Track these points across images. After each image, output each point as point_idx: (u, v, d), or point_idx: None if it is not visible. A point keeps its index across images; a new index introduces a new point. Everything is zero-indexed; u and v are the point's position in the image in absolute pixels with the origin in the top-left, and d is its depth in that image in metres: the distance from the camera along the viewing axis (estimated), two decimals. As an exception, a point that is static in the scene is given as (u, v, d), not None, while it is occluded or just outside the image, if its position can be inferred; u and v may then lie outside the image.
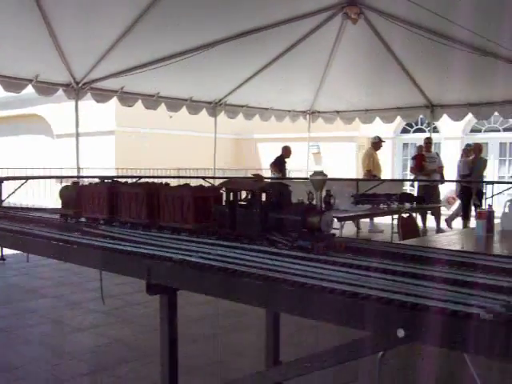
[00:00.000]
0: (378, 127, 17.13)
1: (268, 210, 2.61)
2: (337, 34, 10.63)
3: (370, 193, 10.50)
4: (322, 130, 17.16)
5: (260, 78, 11.93)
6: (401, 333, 1.55)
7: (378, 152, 14.00)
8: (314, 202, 2.51)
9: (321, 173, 2.58)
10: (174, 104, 12.60)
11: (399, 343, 1.62)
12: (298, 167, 16.22)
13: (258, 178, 3.09)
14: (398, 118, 14.54)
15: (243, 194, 2.80)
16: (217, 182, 11.58)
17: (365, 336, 1.74)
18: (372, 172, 13.62)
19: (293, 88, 13.08)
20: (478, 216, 5.52)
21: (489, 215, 5.45)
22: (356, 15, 9.49)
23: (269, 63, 11.39)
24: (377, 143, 13.90)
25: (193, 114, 13.19)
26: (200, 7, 8.62)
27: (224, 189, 2.85)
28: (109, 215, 3.42)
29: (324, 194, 2.57)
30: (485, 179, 13.81)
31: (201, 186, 3.23)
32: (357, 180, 13.23)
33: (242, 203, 2.75)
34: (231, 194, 2.77)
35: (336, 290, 1.78)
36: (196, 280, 2.22)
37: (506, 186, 13.08)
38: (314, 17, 9.84)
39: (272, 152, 15.23)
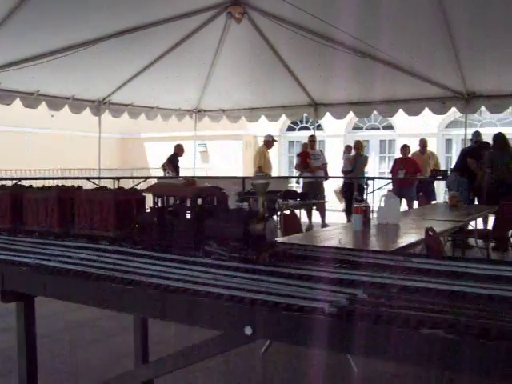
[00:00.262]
0: (265, 125, 17.39)
1: (204, 217, 2.36)
2: (221, 33, 10.66)
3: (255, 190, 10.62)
4: (209, 129, 17.19)
5: (145, 77, 11.74)
6: (248, 330, 1.57)
7: (268, 150, 14.26)
8: (257, 208, 2.30)
9: (264, 176, 2.43)
10: (55, 102, 12.11)
11: (248, 340, 1.64)
12: (185, 166, 16.17)
13: (189, 182, 2.86)
14: (283, 117, 14.76)
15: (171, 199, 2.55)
16: (102, 183, 11.36)
17: (217, 335, 1.75)
18: (263, 169, 13.84)
19: (178, 87, 12.97)
20: (355, 211, 5.74)
21: (365, 210, 5.72)
22: (240, 15, 9.56)
23: (153, 62, 11.23)
24: (269, 142, 14.11)
25: (75, 113, 12.73)
26: (79, 3, 8.34)
27: (151, 194, 2.58)
28: (11, 224, 3.09)
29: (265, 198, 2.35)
30: (366, 175, 14.38)
31: (121, 189, 3.05)
32: (243, 178, 13.35)
33: (172, 209, 2.52)
34: (159, 199, 2.53)
35: (189, 290, 1.78)
36: (52, 286, 2.11)
37: (385, 182, 13.65)
38: (197, 15, 9.80)
39: (159, 151, 15.06)
